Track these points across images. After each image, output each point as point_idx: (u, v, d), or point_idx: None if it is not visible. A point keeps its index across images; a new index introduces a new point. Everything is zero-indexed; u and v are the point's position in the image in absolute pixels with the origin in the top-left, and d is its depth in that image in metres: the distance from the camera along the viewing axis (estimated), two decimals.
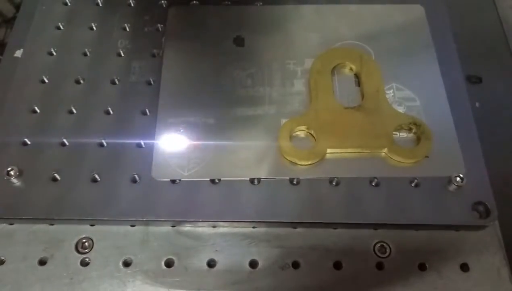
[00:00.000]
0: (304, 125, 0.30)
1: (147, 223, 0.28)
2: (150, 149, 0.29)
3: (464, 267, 0.27)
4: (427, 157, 0.29)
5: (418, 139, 0.30)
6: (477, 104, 0.33)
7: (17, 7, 0.38)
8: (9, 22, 0.39)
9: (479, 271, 0.27)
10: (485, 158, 0.29)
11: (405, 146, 0.29)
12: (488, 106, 0.33)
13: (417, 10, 0.35)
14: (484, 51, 0.36)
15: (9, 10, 0.40)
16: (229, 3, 0.36)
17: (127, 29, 0.35)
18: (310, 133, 0.30)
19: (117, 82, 0.32)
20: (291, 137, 0.30)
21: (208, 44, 0.34)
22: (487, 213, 0.27)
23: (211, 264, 0.27)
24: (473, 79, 0.34)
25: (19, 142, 0.30)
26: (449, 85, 0.32)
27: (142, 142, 0.30)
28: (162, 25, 0.35)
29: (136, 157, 0.29)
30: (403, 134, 0.30)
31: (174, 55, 0.33)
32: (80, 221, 0.28)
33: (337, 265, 0.27)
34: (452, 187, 0.28)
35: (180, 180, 0.28)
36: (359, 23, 0.35)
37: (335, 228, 0.28)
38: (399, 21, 0.35)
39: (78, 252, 0.27)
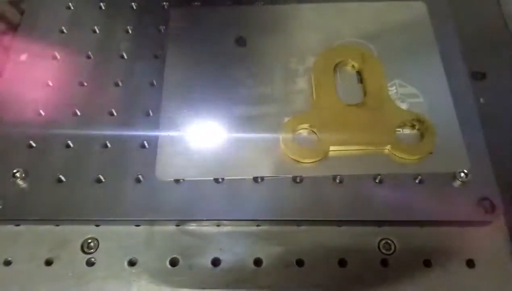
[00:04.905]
0: (307, 123, 0.30)
1: (151, 222, 0.28)
2: (154, 149, 0.29)
3: (470, 263, 0.27)
4: (431, 153, 0.29)
5: (421, 136, 0.29)
6: (481, 100, 0.33)
7: (23, 13, 0.38)
8: (15, 28, 0.39)
9: (485, 267, 0.26)
10: (490, 153, 0.29)
11: (408, 142, 0.29)
12: (492, 102, 0.33)
13: (419, 7, 0.35)
14: (488, 47, 0.36)
15: (15, 16, 0.41)
16: (230, 3, 0.36)
17: (130, 32, 0.35)
18: (313, 131, 0.30)
19: (120, 84, 0.32)
20: (294, 136, 0.30)
21: (210, 44, 0.34)
22: (492, 208, 0.27)
23: (215, 262, 0.27)
24: (477, 75, 0.34)
25: (25, 144, 0.30)
26: (452, 81, 0.32)
27: (145, 142, 0.30)
28: (164, 27, 0.35)
29: (140, 157, 0.29)
30: (407, 131, 0.30)
31: (176, 56, 0.34)
32: (86, 221, 0.28)
33: (342, 263, 0.27)
34: (457, 183, 0.28)
35: (183, 180, 0.28)
36: (360, 21, 0.35)
37: (339, 226, 0.28)
38: (401, 18, 0.35)
39: (84, 252, 0.28)
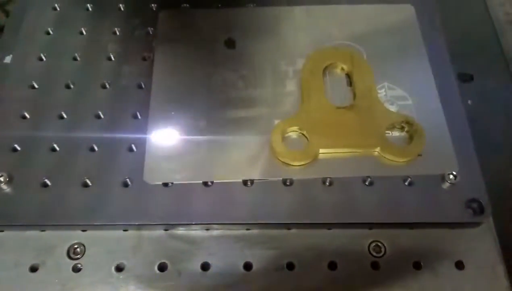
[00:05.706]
0: (296, 126, 0.30)
1: (139, 227, 0.28)
2: (142, 152, 0.29)
3: (459, 265, 0.27)
4: (420, 155, 0.29)
5: (410, 138, 0.30)
6: (469, 102, 0.33)
7: (9, 15, 0.37)
8: (1, 29, 0.39)
9: (474, 269, 0.27)
10: (478, 155, 0.29)
11: (397, 144, 0.29)
12: (480, 104, 0.33)
13: (407, 10, 0.36)
14: (475, 49, 0.36)
15: (0, 17, 0.40)
16: (220, 5, 0.36)
17: (117, 33, 0.35)
18: (302, 133, 0.30)
19: (107, 86, 0.32)
20: (284, 138, 0.29)
21: (199, 47, 0.34)
22: (480, 210, 0.27)
23: (205, 267, 0.27)
24: (465, 77, 0.34)
25: (9, 148, 0.29)
26: (440, 84, 0.32)
27: (133, 146, 0.29)
28: (152, 29, 0.35)
29: (128, 160, 0.29)
30: (396, 133, 0.30)
31: (165, 58, 0.33)
32: (72, 226, 0.28)
33: (332, 266, 0.27)
34: (446, 185, 0.28)
35: (172, 183, 0.28)
36: (350, 24, 0.35)
37: (329, 228, 0.28)
38: (390, 20, 0.35)
39: (70, 258, 0.27)
